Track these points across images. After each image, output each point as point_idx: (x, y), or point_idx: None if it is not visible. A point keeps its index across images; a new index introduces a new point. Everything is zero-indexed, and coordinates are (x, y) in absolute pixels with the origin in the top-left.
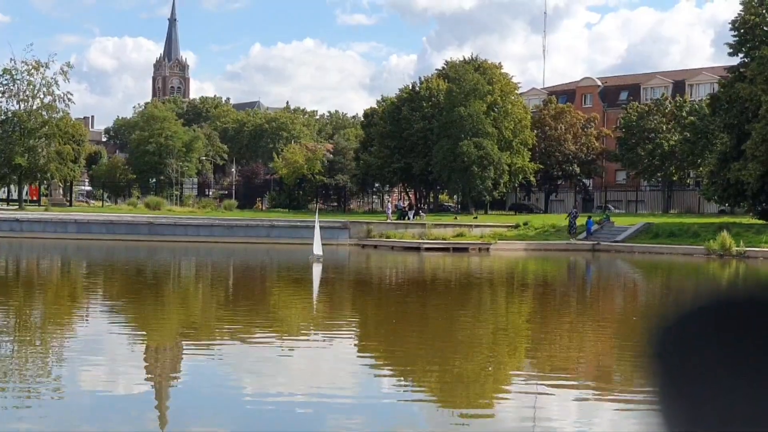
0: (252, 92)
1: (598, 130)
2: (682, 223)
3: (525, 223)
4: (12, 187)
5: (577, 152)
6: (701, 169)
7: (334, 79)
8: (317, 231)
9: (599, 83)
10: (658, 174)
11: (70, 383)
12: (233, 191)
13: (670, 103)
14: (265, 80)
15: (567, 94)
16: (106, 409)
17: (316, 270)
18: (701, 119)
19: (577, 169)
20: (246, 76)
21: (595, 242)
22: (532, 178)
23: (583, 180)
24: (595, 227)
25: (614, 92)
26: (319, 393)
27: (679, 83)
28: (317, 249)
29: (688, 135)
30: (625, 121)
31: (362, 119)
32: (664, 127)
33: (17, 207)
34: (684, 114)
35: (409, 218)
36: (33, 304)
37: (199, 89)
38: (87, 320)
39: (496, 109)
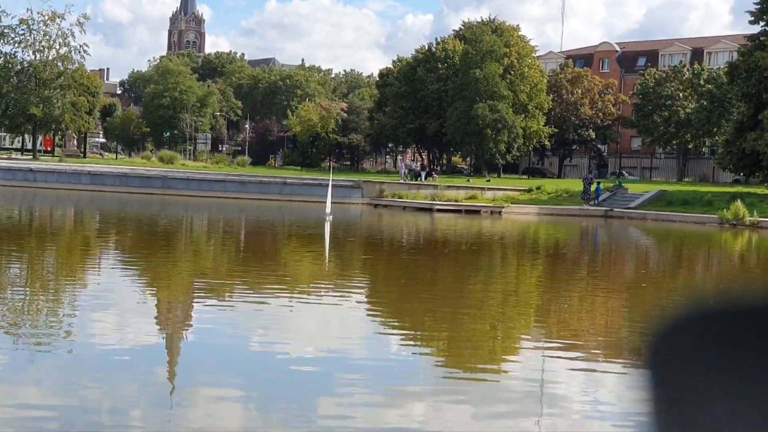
0: (266, 48)
1: (615, 96)
2: (696, 191)
3: (538, 188)
4: (27, 137)
5: (593, 117)
6: (717, 137)
7: (349, 38)
8: (329, 191)
9: (617, 48)
10: (674, 141)
11: (80, 335)
12: (246, 148)
13: (688, 70)
14: (279, 36)
15: (584, 58)
16: (115, 363)
17: (327, 228)
18: (718, 88)
19: (593, 135)
20: (260, 32)
21: (608, 208)
22: (546, 143)
23: (598, 145)
24: (605, 194)
25: (632, 58)
26: (328, 351)
27: (698, 51)
28: (328, 208)
29: (705, 103)
30: (642, 87)
31: (377, 79)
32: (681, 94)
33: (31, 157)
34: (701, 82)
35: (422, 179)
36: (45, 255)
37: (213, 44)
38: (98, 272)
39: (512, 72)
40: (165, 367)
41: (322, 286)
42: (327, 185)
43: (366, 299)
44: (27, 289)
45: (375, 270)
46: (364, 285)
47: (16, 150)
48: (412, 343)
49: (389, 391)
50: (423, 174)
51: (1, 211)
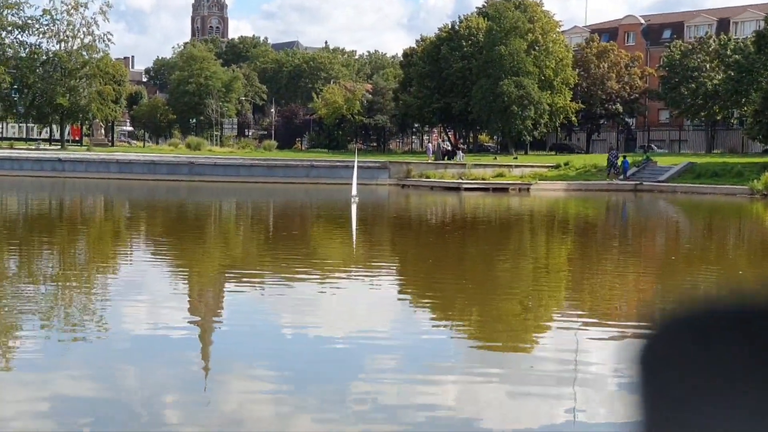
0: (287, 32)
1: (642, 69)
2: (726, 162)
3: (566, 163)
4: (54, 127)
5: (620, 91)
6: (745, 108)
7: (371, 19)
8: (355, 172)
9: (642, 21)
10: (702, 113)
11: (113, 322)
12: (272, 132)
13: (714, 41)
14: (301, 19)
15: (609, 32)
16: (148, 348)
17: (354, 210)
18: (746, 58)
19: (620, 109)
20: (282, 15)
21: (637, 182)
22: (573, 118)
23: (626, 119)
24: (632, 169)
25: (657, 30)
26: (358, 331)
27: (724, 21)
28: (354, 190)
29: (732, 74)
30: (668, 59)
31: (401, 59)
32: (708, 65)
33: (60, 147)
34: (728, 52)
35: (459, 158)
36: (77, 244)
37: (236, 28)
38: (130, 259)
39: (536, 48)
40: (198, 353)
41: (352, 267)
42: (353, 167)
43: (396, 280)
44: (60, 277)
45: (404, 250)
46: (393, 265)
47: (44, 140)
48: (443, 322)
49: (422, 370)
50: (460, 153)
51: (32, 202)
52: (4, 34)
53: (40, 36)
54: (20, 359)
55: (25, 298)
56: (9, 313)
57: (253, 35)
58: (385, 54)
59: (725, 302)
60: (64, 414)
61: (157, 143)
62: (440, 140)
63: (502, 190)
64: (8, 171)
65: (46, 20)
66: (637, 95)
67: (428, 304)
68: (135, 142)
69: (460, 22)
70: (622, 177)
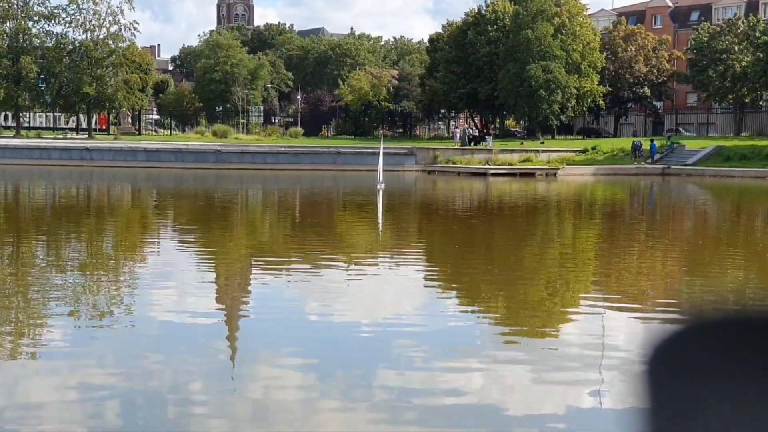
0: (313, 18)
1: (669, 52)
2: (755, 145)
3: (593, 148)
4: (81, 116)
5: (647, 75)
6: None
7: (396, 4)
8: (380, 158)
9: (670, 3)
10: (730, 96)
11: (141, 309)
12: (299, 119)
13: (742, 23)
14: (326, 6)
15: (636, 15)
16: (176, 336)
17: (380, 196)
18: None
19: (648, 92)
20: (307, 1)
21: (665, 166)
22: (600, 102)
23: (654, 102)
24: (657, 155)
25: (685, 13)
26: (384, 317)
27: (752, 2)
28: (380, 176)
29: (761, 55)
30: (696, 42)
31: (427, 45)
32: (737, 48)
33: (87, 136)
34: (757, 34)
35: (486, 144)
36: (105, 232)
37: (261, 16)
38: (157, 247)
39: (563, 32)
40: (225, 339)
41: (378, 253)
42: (379, 153)
43: (422, 265)
44: (87, 265)
45: (430, 236)
46: (419, 251)
47: (72, 129)
48: (469, 307)
49: (448, 355)
50: (489, 139)
51: (60, 190)
52: (30, 24)
53: (66, 26)
54: (48, 346)
55: (53, 286)
56: (38, 300)
57: (279, 22)
58: (411, 39)
59: (752, 300)
60: (92, 401)
61: (184, 131)
62: (466, 126)
63: (529, 175)
64: (36, 160)
65: (72, 10)
66: (664, 78)
67: (454, 290)
68: (161, 130)
69: (487, 6)
70: (650, 161)
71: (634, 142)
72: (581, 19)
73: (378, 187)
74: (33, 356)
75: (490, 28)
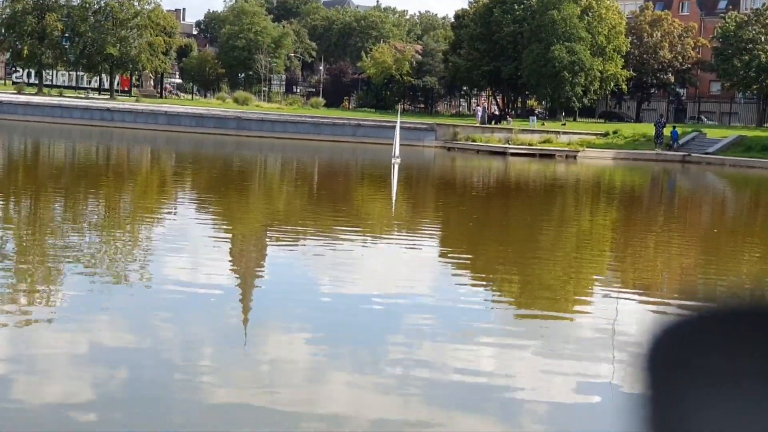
0: None
1: (695, 40)
2: None
3: (614, 132)
4: (104, 77)
5: (672, 61)
6: None
7: None
8: (397, 132)
9: None
10: (754, 86)
11: (155, 273)
12: (320, 89)
13: None
14: None
15: (664, 0)
16: (189, 301)
17: (396, 170)
18: None
19: (671, 78)
20: None
21: (686, 153)
22: (624, 86)
23: (677, 89)
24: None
25: (713, 0)
26: (396, 292)
27: None
28: (396, 150)
29: None
30: (723, 30)
31: (452, 20)
32: (763, 37)
33: (108, 97)
34: None
35: (507, 122)
36: (122, 195)
37: None
38: (174, 212)
39: (590, 14)
40: (238, 307)
41: (393, 228)
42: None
43: (436, 242)
44: (103, 227)
45: (445, 213)
46: (434, 227)
47: (94, 89)
48: (482, 286)
49: (458, 333)
50: (509, 119)
51: (80, 151)
52: None
53: None
54: (61, 307)
55: (68, 247)
56: (53, 261)
57: None
58: (436, 15)
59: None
60: (103, 362)
61: (205, 96)
62: (483, 103)
63: (549, 156)
64: (57, 118)
65: None
66: (689, 66)
67: (467, 268)
68: (183, 94)
69: None
70: (675, 145)
71: (658, 122)
72: (608, 2)
73: (393, 161)
74: (47, 316)
75: (516, 7)
